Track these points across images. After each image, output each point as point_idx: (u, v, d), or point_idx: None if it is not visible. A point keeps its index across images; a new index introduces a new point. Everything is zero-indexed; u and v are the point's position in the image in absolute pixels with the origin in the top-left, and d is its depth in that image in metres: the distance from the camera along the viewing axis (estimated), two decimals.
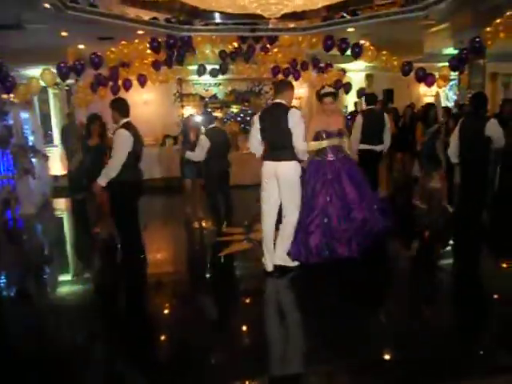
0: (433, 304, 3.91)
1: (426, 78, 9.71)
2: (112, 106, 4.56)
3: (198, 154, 6.19)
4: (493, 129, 5.22)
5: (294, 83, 12.53)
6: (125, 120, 4.49)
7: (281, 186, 4.38)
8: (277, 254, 4.54)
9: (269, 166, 4.41)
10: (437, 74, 9.96)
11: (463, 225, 5.68)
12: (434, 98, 10.98)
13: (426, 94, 13.45)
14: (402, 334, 3.23)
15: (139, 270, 4.92)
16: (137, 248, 4.72)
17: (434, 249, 5.57)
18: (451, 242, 5.84)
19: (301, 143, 4.31)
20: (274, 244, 4.56)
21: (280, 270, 4.50)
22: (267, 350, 3.17)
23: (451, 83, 12.23)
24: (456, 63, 9.20)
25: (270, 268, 4.51)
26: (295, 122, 4.25)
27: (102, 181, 4.32)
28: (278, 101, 4.40)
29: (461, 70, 9.42)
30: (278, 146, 4.36)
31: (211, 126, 6.44)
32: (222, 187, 6.40)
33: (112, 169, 4.31)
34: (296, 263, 4.57)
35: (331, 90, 4.97)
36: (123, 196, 4.41)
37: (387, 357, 3.05)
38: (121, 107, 4.53)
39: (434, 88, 10.56)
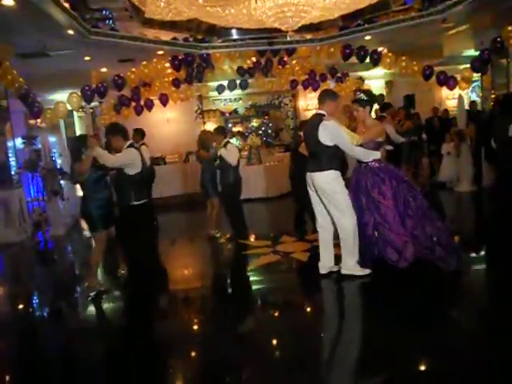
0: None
1: (447, 81, 9.60)
2: (111, 133, 4.69)
3: (233, 163, 6.25)
4: None
5: (313, 94, 12.67)
6: (129, 142, 4.68)
7: (320, 196, 4.43)
8: (342, 262, 4.46)
9: (307, 177, 4.50)
10: (459, 77, 9.83)
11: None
12: (456, 102, 10.81)
13: (448, 97, 13.27)
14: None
15: (168, 286, 4.97)
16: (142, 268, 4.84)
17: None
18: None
19: (349, 150, 4.37)
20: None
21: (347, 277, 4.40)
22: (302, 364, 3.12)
23: (474, 85, 12.03)
24: (478, 65, 9.06)
25: (321, 271, 4.56)
26: (330, 133, 4.26)
27: (97, 149, 4.38)
28: (318, 111, 4.49)
29: (483, 71, 9.27)
30: (312, 156, 4.46)
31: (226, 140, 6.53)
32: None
33: (107, 160, 4.42)
34: (366, 271, 4.39)
35: (359, 96, 4.69)
36: (131, 218, 4.59)
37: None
38: (122, 131, 4.69)
39: (457, 91, 10.42)
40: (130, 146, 4.66)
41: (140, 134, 7.44)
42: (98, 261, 4.83)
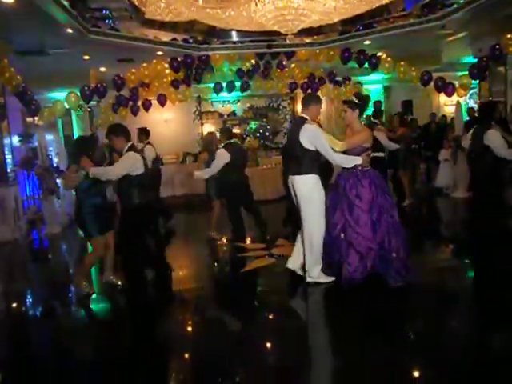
0: None
1: (445, 87, 9.63)
2: (114, 133, 4.62)
3: (212, 169, 6.21)
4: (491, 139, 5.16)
5: None
6: (130, 144, 4.63)
7: (297, 199, 4.44)
8: (308, 270, 4.47)
9: (288, 180, 4.54)
10: (457, 83, 9.87)
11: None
12: (454, 108, 10.86)
13: (446, 103, 13.32)
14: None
15: (161, 287, 4.96)
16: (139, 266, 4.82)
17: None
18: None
19: (329, 156, 4.32)
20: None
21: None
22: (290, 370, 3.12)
23: (471, 92, 12.08)
24: (476, 71, 9.10)
25: (288, 264, 4.73)
26: (310, 137, 4.27)
27: (92, 170, 4.32)
28: (301, 114, 4.51)
29: (481, 78, 9.31)
30: (293, 159, 4.46)
31: (229, 141, 6.49)
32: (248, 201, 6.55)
33: (109, 175, 4.40)
34: (330, 279, 4.41)
35: (350, 97, 4.73)
36: (136, 218, 4.53)
37: None
38: (125, 132, 4.64)
39: (455, 97, 10.46)
40: (130, 148, 4.59)
41: (145, 133, 7.48)
42: (91, 264, 4.80)
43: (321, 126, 5.00)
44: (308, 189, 4.33)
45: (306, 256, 4.46)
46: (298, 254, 4.67)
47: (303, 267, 4.59)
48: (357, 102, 4.53)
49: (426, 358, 2.98)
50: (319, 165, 4.46)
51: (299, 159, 4.35)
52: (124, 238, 4.73)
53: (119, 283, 4.81)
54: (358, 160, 4.36)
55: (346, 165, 4.42)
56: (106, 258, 4.83)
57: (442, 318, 3.61)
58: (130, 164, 4.48)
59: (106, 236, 4.68)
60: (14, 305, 4.82)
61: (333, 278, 4.40)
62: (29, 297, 5.07)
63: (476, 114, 7.88)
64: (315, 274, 4.42)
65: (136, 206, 4.53)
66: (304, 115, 4.43)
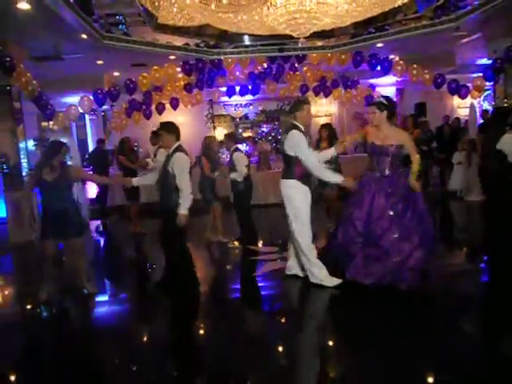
0: None
1: (459, 89, 9.56)
2: (166, 130, 4.52)
3: (241, 173, 6.30)
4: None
5: (324, 100, 12.65)
6: (178, 143, 4.51)
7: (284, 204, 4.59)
8: (308, 272, 4.54)
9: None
10: (471, 86, 9.79)
11: None
12: (468, 110, 10.76)
13: (460, 105, 13.20)
14: None
15: (173, 291, 4.97)
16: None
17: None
18: None
19: (308, 164, 4.35)
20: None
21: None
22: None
23: (486, 94, 11.96)
24: (490, 73, 9.02)
25: (286, 271, 4.86)
26: (292, 144, 4.38)
27: (185, 209, 4.32)
28: (291, 121, 4.57)
29: (496, 80, 9.22)
30: (284, 163, 4.68)
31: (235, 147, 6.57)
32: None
33: (189, 193, 4.38)
34: (336, 282, 4.38)
35: (379, 99, 4.61)
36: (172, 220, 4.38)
37: None
38: (177, 131, 4.54)
39: (469, 99, 10.38)
40: (178, 148, 4.46)
41: (157, 136, 7.55)
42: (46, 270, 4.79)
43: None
44: (288, 193, 4.47)
45: (301, 259, 4.53)
46: (293, 259, 4.77)
47: (302, 268, 4.63)
48: (385, 103, 4.48)
49: (441, 363, 2.95)
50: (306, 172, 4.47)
51: (285, 164, 4.59)
52: (170, 240, 4.65)
53: (94, 290, 4.79)
54: (338, 178, 4.42)
55: (326, 178, 4.46)
56: (77, 266, 4.81)
57: (454, 323, 3.57)
58: (185, 165, 4.40)
59: (54, 244, 4.66)
60: (27, 305, 4.89)
61: (340, 281, 4.37)
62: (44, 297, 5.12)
63: (490, 118, 7.79)
64: (318, 275, 4.44)
65: (173, 210, 4.37)
66: (293, 121, 4.52)
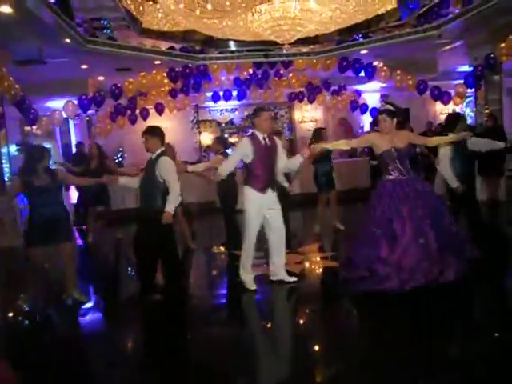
0: None
1: (441, 96, 9.70)
2: (151, 134, 4.55)
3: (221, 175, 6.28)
4: None
5: (309, 106, 12.72)
6: (163, 148, 4.59)
7: None
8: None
9: None
10: (453, 92, 9.95)
11: None
12: None
13: (442, 111, 13.39)
14: None
15: (167, 295, 4.94)
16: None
17: None
18: None
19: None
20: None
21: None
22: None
23: (468, 100, 12.17)
24: (472, 80, 9.18)
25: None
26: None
27: (171, 208, 4.35)
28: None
29: (477, 86, 9.38)
30: None
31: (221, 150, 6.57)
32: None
33: (177, 197, 4.44)
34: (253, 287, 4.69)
35: (387, 106, 4.60)
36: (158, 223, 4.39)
37: None
38: (162, 135, 4.60)
39: (451, 106, 10.54)
40: (163, 153, 4.52)
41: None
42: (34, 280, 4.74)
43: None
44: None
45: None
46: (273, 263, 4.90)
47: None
48: (393, 109, 4.50)
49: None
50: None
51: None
52: (151, 245, 4.61)
53: (83, 299, 4.69)
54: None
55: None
56: (67, 273, 4.69)
57: (450, 329, 3.60)
58: (174, 169, 4.46)
59: (43, 248, 4.59)
60: (11, 313, 4.81)
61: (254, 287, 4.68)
62: (22, 304, 5.04)
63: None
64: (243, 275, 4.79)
65: (160, 212, 4.38)
66: (253, 130, 4.71)
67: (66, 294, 4.69)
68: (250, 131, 4.82)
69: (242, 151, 4.60)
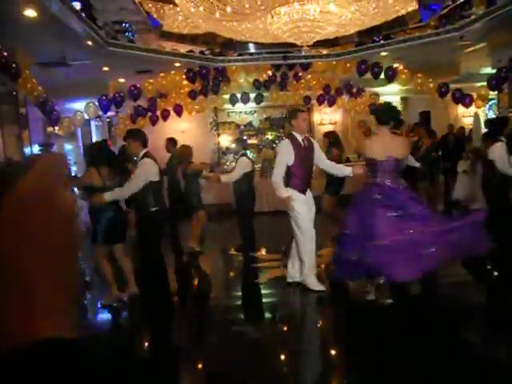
0: None
1: (463, 99, 9.55)
2: (132, 137, 4.62)
3: (235, 175, 6.28)
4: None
5: (328, 109, 12.63)
6: (145, 150, 4.61)
7: None
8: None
9: None
10: (475, 95, 9.78)
11: None
12: (472, 119, 10.74)
13: (464, 114, 13.17)
14: None
15: (176, 297, 4.98)
16: (158, 275, 4.76)
17: None
18: None
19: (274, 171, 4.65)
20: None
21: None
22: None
23: (490, 103, 11.93)
24: (495, 83, 9.00)
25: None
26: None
27: (108, 196, 4.34)
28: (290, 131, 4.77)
29: (500, 89, 9.20)
30: None
31: (242, 151, 6.58)
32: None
33: (124, 193, 4.43)
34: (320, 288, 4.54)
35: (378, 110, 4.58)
36: (150, 224, 4.52)
37: None
38: (142, 138, 4.63)
39: (473, 108, 10.36)
40: (145, 155, 4.56)
41: (173, 143, 7.62)
42: (107, 274, 4.74)
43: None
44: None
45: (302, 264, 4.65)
46: (293, 266, 4.83)
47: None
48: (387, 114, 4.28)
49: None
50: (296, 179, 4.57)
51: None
52: (141, 246, 4.74)
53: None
54: (282, 192, 4.50)
55: (276, 190, 4.55)
56: (124, 271, 4.78)
57: (455, 333, 3.54)
58: (145, 173, 4.47)
59: (110, 247, 4.68)
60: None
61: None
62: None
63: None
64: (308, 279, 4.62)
65: (151, 213, 4.51)
66: (292, 132, 4.69)
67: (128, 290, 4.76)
68: (286, 135, 4.86)
69: (286, 153, 4.54)
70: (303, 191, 4.56)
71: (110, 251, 4.71)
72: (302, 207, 4.51)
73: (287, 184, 4.57)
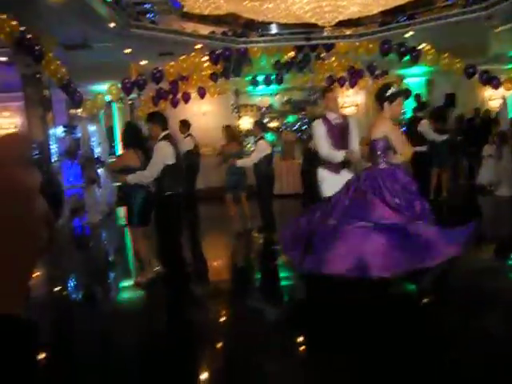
0: None
1: (491, 80, 9.28)
2: (152, 120, 4.62)
3: (252, 159, 6.32)
4: None
5: (350, 91, 12.41)
6: (165, 132, 4.57)
7: None
8: None
9: None
10: (503, 77, 9.49)
11: None
12: (499, 103, 10.43)
13: (491, 97, 12.79)
14: None
15: (196, 278, 5.05)
16: (178, 260, 4.77)
17: None
18: None
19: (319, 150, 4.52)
20: None
21: None
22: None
23: None
24: None
25: None
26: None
27: (131, 179, 4.41)
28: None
29: None
30: None
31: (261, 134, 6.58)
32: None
33: (146, 176, 4.44)
34: None
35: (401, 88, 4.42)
36: (168, 208, 4.51)
37: None
38: (161, 120, 4.61)
39: (501, 91, 10.08)
40: (164, 137, 4.52)
41: (186, 125, 7.81)
42: (143, 254, 4.79)
43: None
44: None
45: None
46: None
47: None
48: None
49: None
50: None
51: None
52: (158, 232, 4.76)
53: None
54: (337, 156, 4.31)
55: (334, 159, 4.35)
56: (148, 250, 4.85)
57: (479, 323, 3.50)
58: (161, 157, 4.43)
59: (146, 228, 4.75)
60: (56, 289, 5.05)
61: None
62: (70, 282, 5.30)
63: None
64: None
65: (166, 197, 4.49)
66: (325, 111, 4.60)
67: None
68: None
69: (321, 132, 4.42)
70: (336, 170, 4.40)
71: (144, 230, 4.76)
72: (330, 188, 4.26)
73: (320, 163, 4.49)
